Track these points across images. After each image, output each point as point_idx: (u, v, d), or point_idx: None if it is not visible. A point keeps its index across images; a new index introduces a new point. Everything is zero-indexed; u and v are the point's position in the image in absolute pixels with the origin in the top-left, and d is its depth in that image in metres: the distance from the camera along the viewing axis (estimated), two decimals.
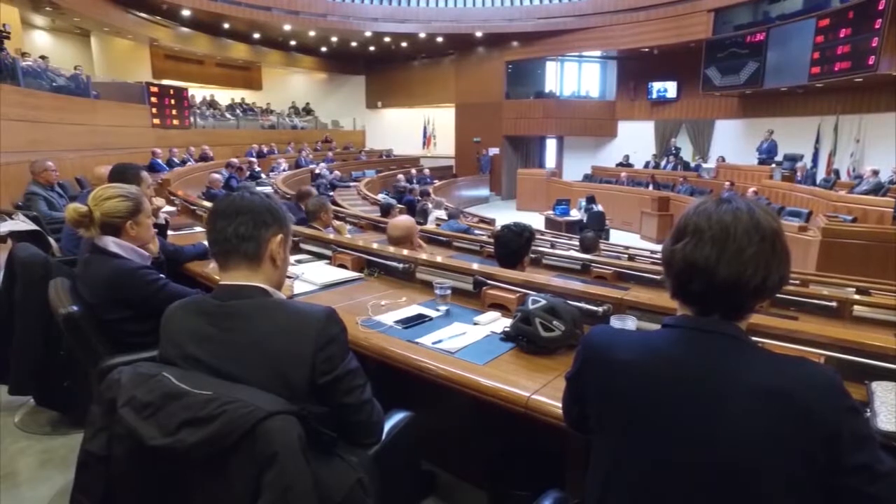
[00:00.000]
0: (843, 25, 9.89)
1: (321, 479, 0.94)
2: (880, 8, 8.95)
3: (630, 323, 1.40)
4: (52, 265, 2.11)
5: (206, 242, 2.57)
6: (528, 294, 1.63)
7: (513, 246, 2.14)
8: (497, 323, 1.67)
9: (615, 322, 1.40)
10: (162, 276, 1.75)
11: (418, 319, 1.71)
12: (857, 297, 2.85)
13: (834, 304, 2.67)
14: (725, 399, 0.78)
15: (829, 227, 6.96)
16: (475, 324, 1.66)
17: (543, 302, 1.46)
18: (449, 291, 1.81)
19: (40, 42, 13.27)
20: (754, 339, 1.40)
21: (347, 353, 1.09)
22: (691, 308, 0.88)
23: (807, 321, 2.64)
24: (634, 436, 0.85)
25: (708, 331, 0.84)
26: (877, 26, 9.05)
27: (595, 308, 1.60)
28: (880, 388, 1.17)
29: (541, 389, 1.23)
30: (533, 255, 3.56)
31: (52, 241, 2.94)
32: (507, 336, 1.53)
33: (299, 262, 2.44)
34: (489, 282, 1.86)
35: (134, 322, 1.67)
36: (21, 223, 2.85)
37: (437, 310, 1.79)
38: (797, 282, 4.17)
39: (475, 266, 2.00)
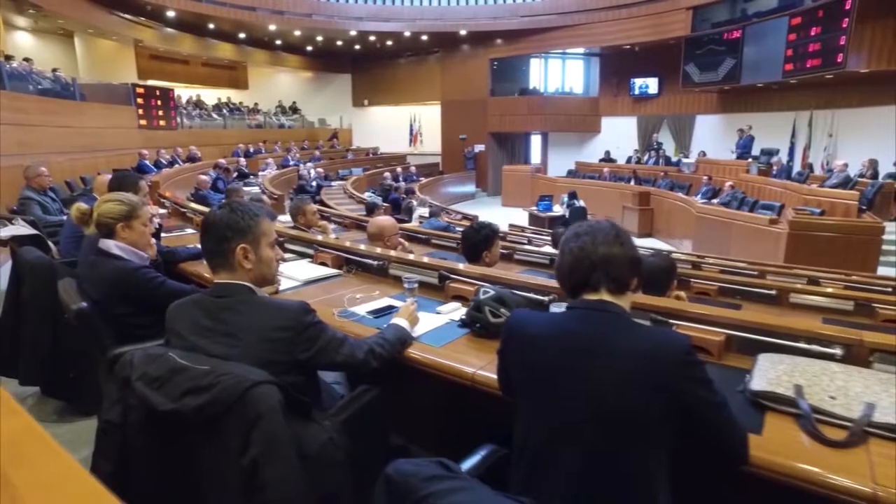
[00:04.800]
0: (813, 24, 10.21)
1: (299, 435, 1.17)
2: (847, 8, 9.28)
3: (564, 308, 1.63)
4: (56, 267, 2.31)
5: (198, 245, 2.79)
6: (482, 286, 1.87)
7: (472, 241, 2.38)
8: (457, 312, 1.90)
9: (554, 308, 1.64)
10: (160, 274, 1.97)
11: (388, 310, 1.94)
12: (796, 285, 3.12)
13: (774, 292, 2.94)
14: (608, 360, 1.03)
15: (796, 219, 7.26)
16: (438, 313, 1.89)
17: (492, 292, 1.69)
18: (416, 285, 2.03)
19: (23, 43, 13.17)
20: (672, 321, 1.66)
21: (322, 332, 1.34)
22: (585, 290, 1.12)
23: (749, 308, 2.92)
24: (542, 395, 1.09)
25: (597, 309, 1.09)
26: (844, 25, 9.37)
27: (542, 297, 1.84)
28: (762, 359, 1.42)
29: (485, 366, 1.46)
30: (505, 252, 3.80)
31: (50, 244, 3.12)
32: (463, 323, 1.76)
33: (283, 260, 2.65)
34: (452, 276, 2.10)
35: (137, 316, 1.89)
36: (22, 227, 3.03)
37: (406, 301, 2.01)
38: (755, 273, 4.45)
39: (440, 262, 2.23)
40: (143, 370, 1.17)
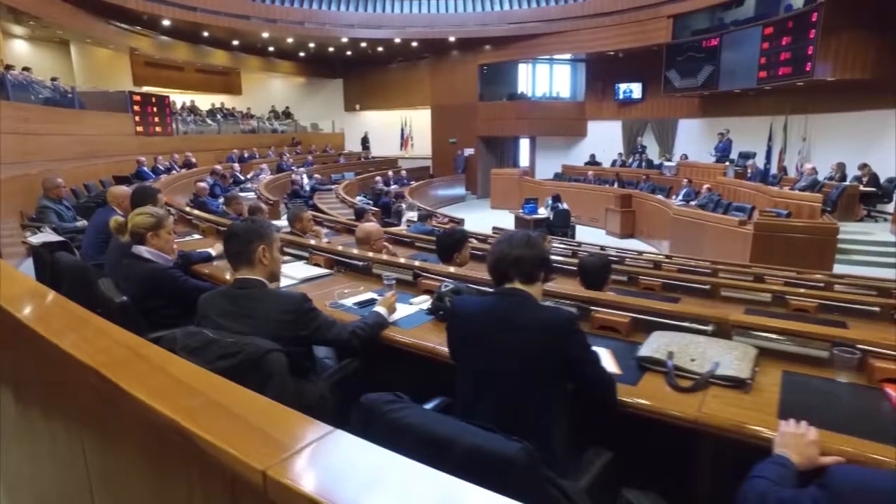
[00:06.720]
0: (784, 34, 10.71)
1: (300, 390, 1.59)
2: (813, 19, 9.81)
3: None
4: (89, 269, 2.71)
5: (207, 250, 3.21)
6: (444, 281, 2.29)
7: (445, 244, 2.81)
8: (426, 303, 2.32)
9: None
10: (184, 274, 2.38)
11: (370, 302, 2.36)
12: (728, 280, 3.57)
13: (708, 287, 3.39)
14: (516, 330, 1.46)
15: (761, 221, 7.74)
16: (411, 304, 2.32)
17: (452, 286, 2.12)
18: (394, 282, 2.46)
19: (19, 51, 13.41)
20: (592, 307, 2.09)
21: (318, 316, 1.77)
22: (505, 281, 1.55)
23: (686, 301, 3.36)
24: (471, 355, 1.52)
25: (510, 294, 1.52)
26: (811, 36, 9.89)
27: (491, 290, 2.26)
28: (653, 335, 1.86)
29: (442, 342, 1.85)
30: (480, 253, 4.23)
31: (74, 249, 3.51)
32: (429, 311, 2.19)
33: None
34: (423, 274, 2.53)
35: (165, 308, 2.30)
36: (50, 235, 3.42)
37: (385, 295, 2.43)
38: (709, 271, 4.91)
39: (414, 262, 2.67)
40: (185, 342, 1.58)
